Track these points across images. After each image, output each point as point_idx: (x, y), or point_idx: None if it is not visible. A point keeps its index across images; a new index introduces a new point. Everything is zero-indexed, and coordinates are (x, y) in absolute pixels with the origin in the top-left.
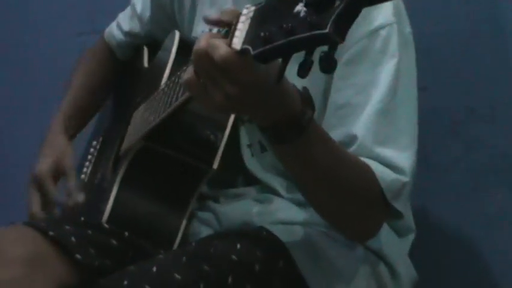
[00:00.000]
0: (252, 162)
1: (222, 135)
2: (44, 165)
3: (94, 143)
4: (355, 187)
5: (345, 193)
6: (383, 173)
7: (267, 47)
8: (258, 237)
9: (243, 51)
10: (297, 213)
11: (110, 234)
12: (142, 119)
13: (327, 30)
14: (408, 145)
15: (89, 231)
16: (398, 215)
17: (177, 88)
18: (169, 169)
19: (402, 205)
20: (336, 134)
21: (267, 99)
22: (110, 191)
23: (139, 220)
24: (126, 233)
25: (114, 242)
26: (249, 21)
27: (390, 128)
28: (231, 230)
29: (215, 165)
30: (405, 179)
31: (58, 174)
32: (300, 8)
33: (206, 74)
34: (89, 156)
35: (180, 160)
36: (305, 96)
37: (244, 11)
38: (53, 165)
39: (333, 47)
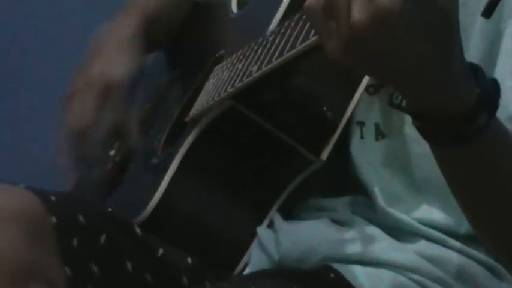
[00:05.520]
0: (358, 147)
1: (343, 114)
2: (122, 71)
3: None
4: None
5: None
6: None
7: None
8: (320, 281)
9: None
10: (389, 249)
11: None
12: (232, 71)
13: None
14: None
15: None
16: None
17: (300, 28)
18: (258, 150)
19: None
20: None
21: (437, 61)
22: (162, 173)
23: (197, 223)
24: (161, 251)
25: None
26: None
27: None
28: (286, 265)
29: (324, 155)
30: None
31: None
32: None
33: None
34: None
35: (277, 138)
36: (485, 91)
37: None
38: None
39: None
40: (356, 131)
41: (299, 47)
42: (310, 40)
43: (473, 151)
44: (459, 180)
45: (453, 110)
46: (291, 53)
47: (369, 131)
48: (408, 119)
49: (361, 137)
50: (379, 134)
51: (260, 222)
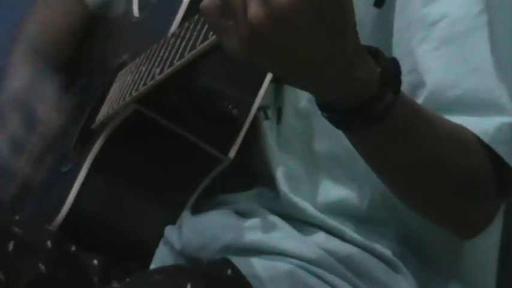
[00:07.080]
0: (262, 133)
1: (249, 110)
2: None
3: None
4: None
5: (442, 182)
6: (479, 124)
7: None
8: (216, 278)
9: None
10: (287, 238)
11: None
12: (136, 75)
13: None
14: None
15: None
16: None
17: (199, 29)
18: (167, 152)
19: None
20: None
21: (323, 55)
22: (71, 180)
23: (110, 226)
24: (73, 248)
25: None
26: None
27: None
28: (188, 254)
29: (232, 154)
30: (509, 118)
31: None
32: None
33: None
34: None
35: (184, 139)
36: (388, 71)
37: None
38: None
39: None
40: (260, 117)
41: (199, 48)
42: (209, 40)
43: (386, 130)
44: (377, 159)
45: (359, 95)
46: (191, 53)
47: (272, 116)
48: (301, 94)
49: (266, 121)
50: (280, 117)
51: (173, 223)
